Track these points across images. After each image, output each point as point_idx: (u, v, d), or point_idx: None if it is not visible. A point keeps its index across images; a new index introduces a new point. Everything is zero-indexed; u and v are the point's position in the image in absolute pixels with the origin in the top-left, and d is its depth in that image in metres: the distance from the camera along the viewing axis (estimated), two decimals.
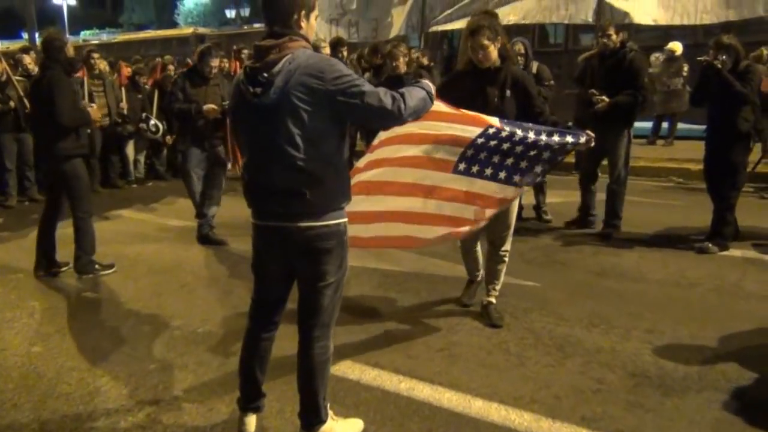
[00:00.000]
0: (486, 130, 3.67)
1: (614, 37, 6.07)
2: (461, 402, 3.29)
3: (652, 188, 8.77)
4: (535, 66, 6.56)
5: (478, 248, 4.58)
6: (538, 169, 3.81)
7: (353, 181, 3.85)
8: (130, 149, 9.87)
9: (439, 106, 3.19)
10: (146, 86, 10.04)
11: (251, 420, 3.00)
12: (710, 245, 5.63)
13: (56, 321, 4.58)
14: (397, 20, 10.80)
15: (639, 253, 5.73)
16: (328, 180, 2.61)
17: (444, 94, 3.71)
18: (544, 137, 3.70)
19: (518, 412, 3.17)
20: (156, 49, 21.50)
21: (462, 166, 3.81)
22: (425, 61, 9.10)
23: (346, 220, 2.75)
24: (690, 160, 9.42)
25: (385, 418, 3.16)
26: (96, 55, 8.99)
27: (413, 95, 2.67)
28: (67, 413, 3.29)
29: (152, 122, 9.39)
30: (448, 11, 10.07)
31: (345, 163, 2.75)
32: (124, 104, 9.30)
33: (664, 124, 12.79)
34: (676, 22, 8.90)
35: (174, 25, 46.57)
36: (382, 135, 3.88)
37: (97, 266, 5.53)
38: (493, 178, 3.82)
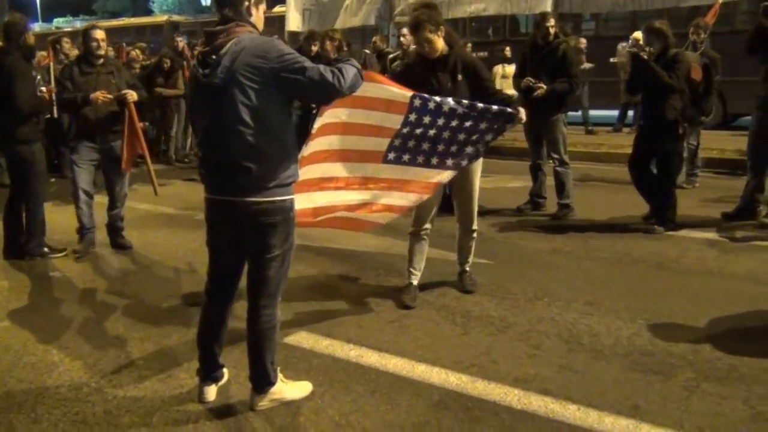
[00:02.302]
0: (409, 115, 3.88)
1: (552, 29, 6.38)
2: (405, 367, 3.52)
3: (612, 174, 9.04)
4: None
5: (426, 247, 4.61)
6: (470, 150, 4.03)
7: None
8: None
9: (364, 88, 3.35)
10: None
11: (211, 389, 3.20)
12: (656, 226, 5.92)
13: (23, 298, 4.74)
14: (363, 9, 10.93)
15: (590, 234, 6.00)
16: (274, 155, 2.79)
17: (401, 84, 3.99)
18: (470, 119, 3.92)
19: (457, 375, 3.41)
20: (130, 37, 21.44)
21: (391, 156, 4.02)
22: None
23: (292, 197, 2.94)
24: None
25: (333, 381, 3.38)
26: (66, 41, 9.05)
27: (348, 71, 2.85)
28: (33, 381, 3.47)
29: None
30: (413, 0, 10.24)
31: (293, 140, 2.93)
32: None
33: (630, 113, 13.16)
34: (629, 8, 9.21)
35: (149, 12, 46.17)
36: (317, 123, 4.02)
37: (46, 249, 5.66)
38: (426, 164, 4.04)
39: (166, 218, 6.80)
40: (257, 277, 2.98)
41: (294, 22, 11.57)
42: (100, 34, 5.54)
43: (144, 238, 6.25)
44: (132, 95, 5.55)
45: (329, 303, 4.50)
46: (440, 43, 4.21)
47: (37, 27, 41.49)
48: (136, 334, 4.03)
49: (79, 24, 37.61)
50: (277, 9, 17.40)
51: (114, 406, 3.19)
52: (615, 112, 13.63)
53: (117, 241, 5.95)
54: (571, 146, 10.00)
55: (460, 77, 4.26)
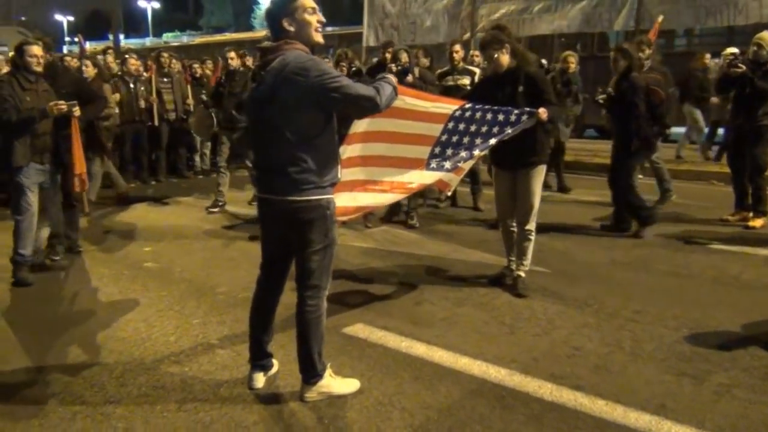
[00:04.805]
0: (447, 123, 4.39)
1: (456, 55, 7.20)
2: (450, 359, 3.80)
3: (690, 190, 8.99)
4: (417, 71, 7.03)
5: (515, 228, 5.05)
6: (492, 141, 4.38)
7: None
8: (197, 142, 10.70)
9: (403, 100, 3.70)
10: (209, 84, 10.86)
11: (259, 377, 3.51)
12: (640, 231, 6.47)
13: (120, 284, 5.33)
14: (444, 25, 11.31)
15: (651, 248, 6.08)
16: (312, 162, 3.07)
17: (475, 96, 4.71)
18: (501, 117, 4.40)
19: (496, 368, 3.66)
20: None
21: (434, 164, 4.43)
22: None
23: (329, 197, 3.20)
24: None
25: (381, 366, 3.71)
26: (165, 55, 9.88)
27: (385, 88, 3.17)
28: (123, 352, 3.98)
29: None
30: (496, 15, 10.52)
31: (331, 148, 3.21)
32: (190, 100, 10.12)
33: (720, 131, 12.80)
34: (710, 24, 9.11)
35: (250, 28, 48.34)
36: (354, 128, 4.41)
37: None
38: (461, 161, 4.43)
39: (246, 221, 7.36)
40: (302, 270, 3.28)
41: (371, 38, 12.11)
42: (37, 50, 5.27)
43: (225, 235, 6.85)
44: (77, 110, 5.41)
45: (388, 300, 4.83)
46: (505, 59, 4.74)
47: (148, 41, 44.38)
48: (214, 319, 4.50)
49: (185, 39, 39.92)
50: None
51: (189, 377, 3.64)
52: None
53: (46, 263, 5.71)
54: None
55: (521, 89, 4.67)
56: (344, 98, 3.01)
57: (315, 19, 3.14)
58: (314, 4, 3.15)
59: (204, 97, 9.08)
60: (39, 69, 5.28)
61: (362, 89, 3.07)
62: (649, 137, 6.51)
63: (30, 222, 5.32)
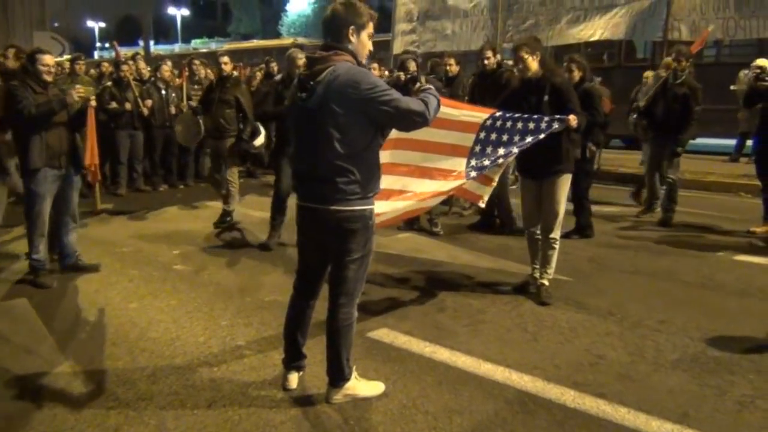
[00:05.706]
0: (479, 132, 4.49)
1: (492, 59, 6.73)
2: (473, 364, 3.85)
3: (718, 202, 8.95)
4: (423, 78, 7.01)
5: (539, 236, 5.08)
6: (525, 144, 4.50)
7: None
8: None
9: (443, 110, 3.79)
10: None
11: (293, 377, 3.60)
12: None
13: (150, 285, 5.45)
14: (471, 35, 11.39)
15: (676, 258, 6.08)
16: (357, 172, 3.11)
17: (502, 106, 4.77)
18: (531, 126, 4.48)
19: (519, 375, 3.71)
20: (258, 58, 22.90)
21: (473, 174, 4.54)
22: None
23: (372, 207, 3.26)
24: None
25: (405, 371, 3.77)
26: (197, 62, 10.07)
27: (431, 101, 3.20)
28: (154, 352, 4.09)
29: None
30: (524, 26, 10.58)
31: (377, 160, 3.26)
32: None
33: (749, 142, 12.69)
34: (740, 36, 9.07)
35: (278, 35, 48.76)
36: (392, 135, 4.52)
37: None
38: (495, 166, 4.60)
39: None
40: (337, 278, 3.32)
41: (398, 46, 12.24)
42: (49, 60, 5.33)
43: (253, 239, 6.95)
44: (93, 99, 5.58)
45: (412, 305, 4.90)
46: (533, 65, 4.81)
47: (177, 48, 45.04)
48: (241, 321, 4.60)
49: (214, 45, 40.42)
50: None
51: (218, 377, 3.73)
52: (732, 141, 13.20)
53: (79, 264, 5.80)
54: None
55: (546, 98, 4.76)
56: (395, 112, 3.03)
57: (369, 46, 3.24)
58: (372, 33, 3.24)
59: (193, 103, 8.84)
60: (49, 79, 5.35)
61: (413, 103, 3.10)
62: (600, 143, 6.75)
63: (42, 229, 5.42)
